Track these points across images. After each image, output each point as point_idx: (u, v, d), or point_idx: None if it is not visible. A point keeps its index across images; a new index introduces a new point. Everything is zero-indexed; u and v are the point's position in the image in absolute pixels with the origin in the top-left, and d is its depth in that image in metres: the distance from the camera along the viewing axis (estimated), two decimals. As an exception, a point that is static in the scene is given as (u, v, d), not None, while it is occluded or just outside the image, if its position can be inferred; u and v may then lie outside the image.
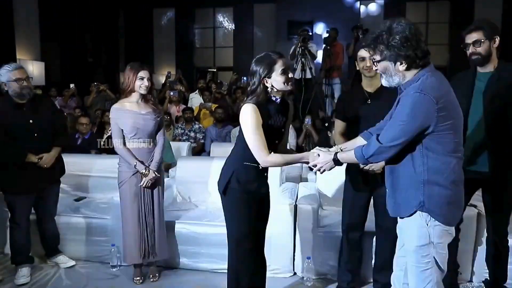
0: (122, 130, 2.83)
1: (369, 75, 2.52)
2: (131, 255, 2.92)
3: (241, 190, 2.22)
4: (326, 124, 5.52)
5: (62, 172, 3.20)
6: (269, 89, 2.13)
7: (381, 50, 1.73)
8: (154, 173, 2.86)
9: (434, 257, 1.75)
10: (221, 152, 4.66)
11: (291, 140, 5.12)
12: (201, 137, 5.64)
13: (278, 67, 2.10)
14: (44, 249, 3.28)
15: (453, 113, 1.70)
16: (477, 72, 2.49)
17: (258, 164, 2.16)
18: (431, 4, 13.80)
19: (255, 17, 14.23)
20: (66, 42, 11.05)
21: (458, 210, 1.79)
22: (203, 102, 6.31)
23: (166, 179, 3.48)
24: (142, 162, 2.85)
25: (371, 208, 2.67)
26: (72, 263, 3.27)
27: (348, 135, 2.62)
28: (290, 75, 2.15)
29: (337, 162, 1.97)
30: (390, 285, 2.06)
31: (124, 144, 2.85)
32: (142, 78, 2.79)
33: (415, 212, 1.75)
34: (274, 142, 2.24)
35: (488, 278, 2.67)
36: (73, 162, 3.84)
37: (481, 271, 2.80)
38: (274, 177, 3.46)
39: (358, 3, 13.28)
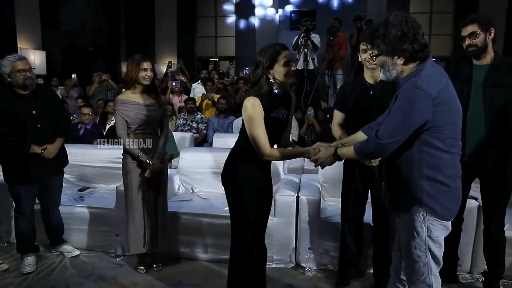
0: (126, 121, 2.84)
1: (371, 66, 2.52)
2: (134, 245, 2.95)
3: (244, 182, 2.24)
4: (328, 116, 5.52)
5: (65, 163, 3.23)
6: (271, 81, 2.13)
7: (378, 45, 1.73)
8: (158, 164, 2.87)
9: (430, 250, 1.77)
10: (224, 142, 4.67)
11: (294, 132, 5.13)
12: (203, 128, 5.65)
13: (281, 58, 2.10)
14: (49, 238, 3.32)
15: (452, 108, 1.69)
16: (474, 65, 2.50)
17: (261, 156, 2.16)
18: (435, -6, 13.68)
19: (257, 6, 14.10)
20: (67, 31, 10.99)
21: (455, 205, 1.81)
22: (205, 92, 6.30)
23: (169, 170, 3.50)
24: (145, 154, 2.86)
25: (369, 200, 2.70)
26: (77, 252, 3.31)
27: (348, 126, 2.64)
28: (293, 67, 2.16)
29: (337, 157, 1.99)
30: (389, 276, 2.09)
31: (128, 135, 2.86)
32: (145, 69, 2.81)
33: (412, 207, 1.77)
34: (277, 135, 2.26)
35: (487, 270, 2.70)
36: (77, 153, 3.88)
37: (481, 262, 2.83)
38: (276, 168, 3.49)
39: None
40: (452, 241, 2.69)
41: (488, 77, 2.42)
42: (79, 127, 5.01)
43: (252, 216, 2.25)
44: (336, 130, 2.70)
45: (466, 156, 2.44)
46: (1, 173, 3.14)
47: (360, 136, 2.11)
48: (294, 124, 5.26)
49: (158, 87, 3.13)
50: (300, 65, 6.55)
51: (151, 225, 2.93)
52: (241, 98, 6.20)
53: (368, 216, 2.75)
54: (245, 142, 2.18)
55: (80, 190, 3.75)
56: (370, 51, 2.39)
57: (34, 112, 2.88)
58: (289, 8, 14.15)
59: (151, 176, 2.87)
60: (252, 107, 2.09)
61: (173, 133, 4.65)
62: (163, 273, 3.04)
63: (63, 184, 3.32)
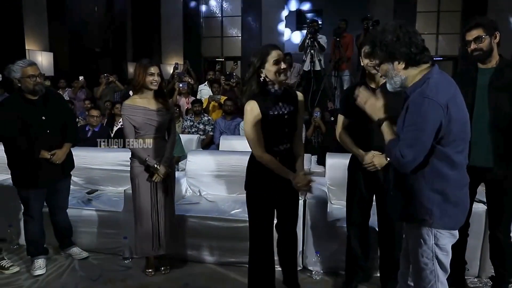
0: (134, 126, 2.86)
1: (374, 71, 2.51)
2: (142, 248, 2.98)
3: (257, 185, 2.36)
4: (332, 118, 5.51)
5: (72, 166, 3.26)
6: (266, 80, 2.22)
7: (377, 53, 1.74)
8: (166, 168, 2.89)
9: (437, 258, 1.77)
10: (230, 144, 4.70)
11: (300, 133, 5.12)
12: (210, 130, 5.67)
13: (271, 58, 2.19)
14: (58, 241, 3.36)
15: (461, 116, 1.69)
16: (479, 68, 2.49)
17: (276, 156, 2.28)
18: (443, -7, 13.58)
19: (263, 6, 14.11)
20: (74, 32, 11.07)
21: (463, 214, 1.81)
22: (212, 94, 6.31)
23: (176, 173, 3.52)
24: (149, 155, 2.88)
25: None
26: (86, 254, 3.34)
27: (352, 130, 2.64)
28: (283, 65, 2.21)
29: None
30: (396, 280, 2.10)
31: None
32: (152, 74, 2.82)
33: (420, 217, 1.76)
34: (284, 130, 2.32)
35: (494, 275, 2.69)
36: (85, 156, 3.92)
37: (489, 267, 2.81)
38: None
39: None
40: (459, 246, 2.66)
41: (493, 80, 2.41)
42: (87, 129, 5.06)
43: (261, 219, 2.38)
44: (341, 134, 2.70)
45: (472, 160, 2.42)
46: (10, 176, 3.17)
47: None
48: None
49: (164, 88, 3.14)
50: (306, 66, 6.55)
51: (159, 228, 2.96)
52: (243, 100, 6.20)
53: (373, 220, 2.75)
54: None
55: (88, 193, 3.79)
56: (369, 60, 2.44)
57: (43, 117, 2.92)
58: (295, 7, 14.13)
59: (158, 181, 2.89)
60: (249, 111, 2.23)
61: (180, 135, 4.67)
62: (171, 276, 3.06)
63: (71, 186, 3.36)
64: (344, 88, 6.93)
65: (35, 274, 3.04)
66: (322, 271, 3.06)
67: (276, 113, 2.26)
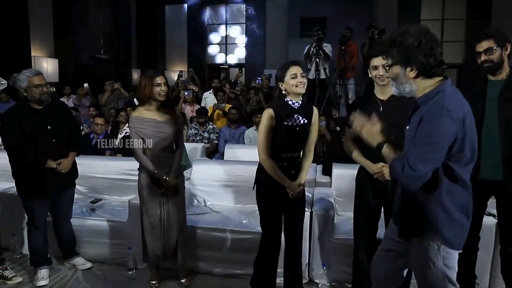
0: (142, 138, 2.80)
1: (382, 83, 2.49)
2: (149, 259, 2.93)
3: (265, 186, 2.56)
4: (338, 128, 5.48)
5: (76, 175, 3.23)
6: (283, 92, 2.47)
7: (393, 54, 1.66)
8: (174, 180, 2.84)
9: (447, 277, 1.73)
10: (235, 153, 4.67)
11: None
12: (214, 138, 5.65)
13: (289, 72, 2.44)
14: (61, 251, 3.33)
15: (472, 133, 1.64)
16: (489, 80, 2.46)
17: (283, 162, 2.50)
18: (447, 1, 13.59)
19: (268, 14, 14.16)
20: (79, 39, 11.12)
21: (466, 234, 1.77)
22: (217, 102, 6.30)
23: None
24: (161, 169, 2.82)
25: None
26: (89, 265, 3.31)
27: (360, 142, 2.61)
28: (301, 79, 2.44)
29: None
30: None
31: (144, 152, 2.83)
32: (159, 85, 2.78)
33: (426, 233, 1.73)
34: (295, 141, 2.53)
35: (506, 290, 2.63)
36: (89, 164, 3.90)
37: (500, 281, 2.76)
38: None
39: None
40: (468, 260, 2.64)
41: (503, 92, 2.38)
42: (91, 136, 5.04)
43: (269, 221, 2.60)
44: (349, 146, 2.67)
45: (482, 172, 2.41)
46: (13, 184, 3.14)
47: None
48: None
49: (170, 96, 3.10)
50: (311, 75, 6.53)
51: (169, 239, 2.89)
52: (251, 108, 6.20)
53: (381, 232, 2.70)
54: None
55: (92, 202, 3.76)
56: (381, 67, 2.41)
57: (49, 126, 2.90)
58: (299, 15, 14.16)
59: (167, 192, 2.84)
60: (265, 116, 2.47)
61: (185, 143, 4.64)
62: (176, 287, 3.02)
63: (75, 195, 3.34)
64: (349, 96, 6.91)
65: (38, 285, 3.01)
66: (328, 284, 3.02)
67: (290, 124, 2.47)
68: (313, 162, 4.48)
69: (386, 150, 1.78)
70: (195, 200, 3.75)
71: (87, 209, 3.60)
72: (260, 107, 5.86)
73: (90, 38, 11.36)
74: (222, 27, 14.72)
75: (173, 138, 2.91)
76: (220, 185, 3.68)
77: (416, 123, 1.63)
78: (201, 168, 3.80)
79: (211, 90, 7.06)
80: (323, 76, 6.52)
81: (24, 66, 3.12)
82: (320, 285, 2.99)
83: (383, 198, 2.55)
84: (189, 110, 6.59)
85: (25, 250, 3.39)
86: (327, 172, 3.95)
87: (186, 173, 4.29)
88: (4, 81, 3.40)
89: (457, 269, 1.77)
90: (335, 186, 3.53)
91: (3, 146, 3.27)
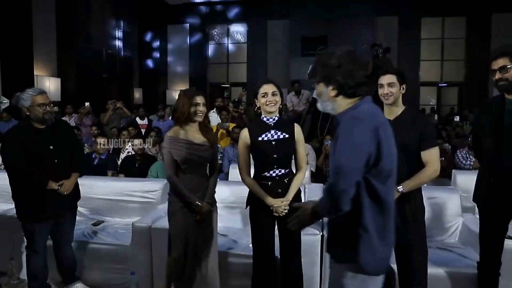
0: (175, 160, 2.62)
1: (387, 102, 2.48)
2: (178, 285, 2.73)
3: (252, 204, 2.59)
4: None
5: (78, 197, 3.13)
6: (258, 110, 2.55)
7: (317, 71, 1.71)
8: (208, 206, 2.65)
9: None
10: (239, 173, 4.56)
11: (311, 162, 5.00)
12: (218, 158, 5.55)
13: (261, 90, 2.51)
14: (61, 275, 3.19)
15: (388, 145, 1.57)
16: (506, 98, 2.40)
17: (267, 181, 2.49)
18: (447, 20, 13.72)
19: (269, 33, 14.29)
20: (82, 58, 11.17)
21: (384, 260, 1.66)
22: (220, 121, 6.23)
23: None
24: (193, 194, 2.63)
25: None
26: (90, 291, 3.17)
27: None
28: (271, 98, 2.48)
29: (316, 215, 1.75)
30: None
31: (177, 174, 2.65)
32: (197, 104, 2.61)
33: (344, 256, 1.65)
34: (273, 157, 2.47)
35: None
36: (91, 185, 3.79)
37: (522, 309, 2.63)
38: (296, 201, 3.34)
39: (372, 19, 13.22)
40: (490, 286, 2.52)
41: None
42: (93, 156, 4.96)
43: (252, 233, 2.61)
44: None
45: (499, 190, 2.35)
46: (13, 206, 3.03)
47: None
48: (312, 154, 5.13)
49: (207, 118, 2.92)
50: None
51: (199, 264, 2.69)
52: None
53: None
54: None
55: (94, 225, 3.64)
56: (386, 86, 2.44)
57: (51, 147, 2.81)
58: (299, 34, 14.27)
59: (201, 219, 2.64)
60: (241, 137, 2.58)
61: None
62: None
63: (77, 217, 3.22)
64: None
65: (36, 313, 2.87)
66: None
67: (265, 139, 2.49)
68: (320, 182, 4.43)
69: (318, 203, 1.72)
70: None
71: (88, 232, 3.48)
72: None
73: (93, 58, 11.41)
74: (224, 46, 14.81)
75: (208, 162, 2.74)
76: (226, 206, 3.57)
77: (335, 141, 1.62)
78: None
79: (214, 109, 7.00)
80: (327, 94, 6.46)
81: (27, 85, 3.06)
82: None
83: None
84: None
85: (23, 275, 3.24)
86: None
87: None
88: (6, 100, 3.34)
89: None
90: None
91: (3, 166, 3.18)
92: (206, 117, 2.72)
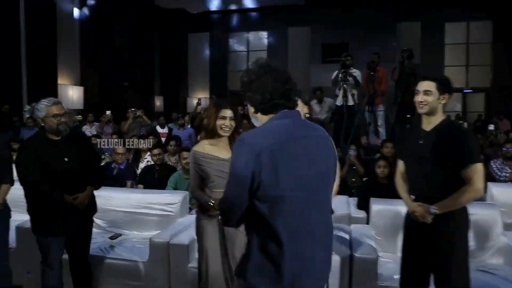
0: (200, 176, 2.46)
1: (421, 111, 2.28)
2: None
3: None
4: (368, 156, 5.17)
5: (94, 211, 3.02)
6: None
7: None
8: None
9: None
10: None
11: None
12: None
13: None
14: (77, 291, 3.08)
15: (273, 170, 1.39)
16: None
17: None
18: (472, 24, 13.34)
19: (289, 40, 14.18)
20: (104, 67, 11.30)
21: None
22: (242, 130, 6.09)
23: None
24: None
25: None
26: (106, 308, 3.06)
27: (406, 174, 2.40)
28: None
29: None
30: None
31: (203, 191, 2.48)
32: (223, 118, 2.41)
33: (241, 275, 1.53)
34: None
35: None
36: (109, 196, 3.70)
37: None
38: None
39: (394, 24, 12.94)
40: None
41: None
42: (112, 166, 4.88)
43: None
44: (398, 182, 2.44)
45: None
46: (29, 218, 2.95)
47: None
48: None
49: (193, 123, 2.81)
50: (339, 101, 6.31)
51: (231, 278, 2.47)
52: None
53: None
54: None
55: (111, 238, 3.53)
56: (422, 93, 2.24)
57: (66, 159, 2.72)
58: (320, 41, 14.08)
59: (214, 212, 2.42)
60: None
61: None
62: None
63: (94, 229, 3.11)
64: (379, 123, 6.62)
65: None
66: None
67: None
68: (344, 194, 4.21)
69: None
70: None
71: (105, 247, 3.37)
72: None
73: (115, 66, 11.52)
74: (244, 55, 14.77)
75: None
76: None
77: None
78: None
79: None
80: (351, 102, 6.26)
81: (50, 94, 2.98)
82: None
83: (432, 241, 2.22)
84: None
85: (37, 290, 3.16)
86: (363, 207, 3.64)
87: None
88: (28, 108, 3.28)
89: None
90: (373, 223, 3.22)
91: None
92: (237, 131, 2.47)
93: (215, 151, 2.44)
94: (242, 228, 1.96)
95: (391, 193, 3.71)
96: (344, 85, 6.11)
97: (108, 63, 11.36)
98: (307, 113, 2.36)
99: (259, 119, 1.55)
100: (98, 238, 3.43)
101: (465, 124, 9.97)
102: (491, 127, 8.01)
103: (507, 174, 4.55)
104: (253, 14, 14.08)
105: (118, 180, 4.63)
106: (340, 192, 4.51)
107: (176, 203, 3.55)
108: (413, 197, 2.30)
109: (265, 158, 1.39)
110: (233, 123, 2.43)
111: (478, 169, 2.14)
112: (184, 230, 3.17)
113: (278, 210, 1.42)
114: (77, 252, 2.95)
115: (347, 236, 3.02)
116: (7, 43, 8.69)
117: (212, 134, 2.45)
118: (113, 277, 3.15)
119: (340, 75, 6.14)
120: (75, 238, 2.88)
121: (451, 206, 2.14)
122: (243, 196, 1.43)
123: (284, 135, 1.45)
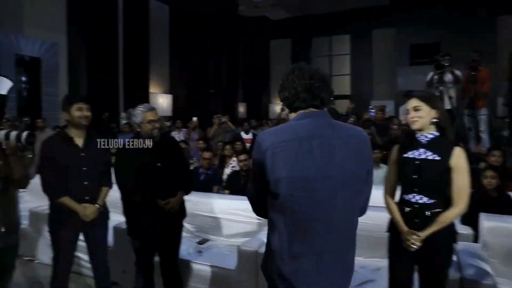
0: None
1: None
2: None
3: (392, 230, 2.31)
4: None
5: (184, 215, 3.01)
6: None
7: None
8: None
9: None
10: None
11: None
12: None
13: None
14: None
15: (275, 168, 1.42)
16: None
17: (405, 206, 2.20)
18: None
19: (374, 43, 13.61)
20: (191, 76, 11.81)
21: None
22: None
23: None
24: None
25: None
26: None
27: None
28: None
29: None
30: None
31: None
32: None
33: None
34: (411, 177, 2.16)
35: None
36: (197, 201, 3.74)
37: None
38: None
39: (494, 18, 11.74)
40: None
41: None
42: (200, 171, 4.98)
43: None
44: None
45: None
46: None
47: None
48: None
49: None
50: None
51: None
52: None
53: None
54: None
55: (199, 243, 3.56)
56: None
57: (158, 164, 2.77)
58: (408, 42, 13.28)
59: None
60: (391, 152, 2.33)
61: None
62: None
63: (184, 234, 3.15)
64: (481, 129, 5.97)
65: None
66: None
67: (410, 156, 2.19)
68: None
69: None
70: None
71: (194, 251, 3.40)
72: (373, 141, 5.30)
73: (201, 75, 12.01)
74: (326, 59, 14.48)
75: None
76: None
77: None
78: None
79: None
80: (448, 106, 5.71)
81: (142, 101, 3.09)
82: None
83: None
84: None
85: (134, 289, 3.27)
86: (470, 222, 3.23)
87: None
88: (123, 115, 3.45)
89: None
90: (485, 242, 2.82)
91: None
92: None
93: None
94: None
95: (501, 208, 3.28)
96: (441, 87, 5.60)
97: (195, 72, 11.87)
98: (434, 118, 2.10)
99: (290, 118, 1.60)
100: (186, 242, 3.47)
101: None
102: None
103: None
104: (336, 17, 13.74)
105: (205, 185, 4.70)
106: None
107: (263, 210, 3.47)
108: None
109: (268, 157, 1.44)
110: None
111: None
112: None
113: (279, 209, 1.46)
114: (168, 256, 3.00)
115: (453, 256, 2.68)
116: (106, 55, 9.47)
117: None
118: (200, 283, 3.14)
119: (435, 77, 5.65)
120: (166, 242, 2.93)
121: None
122: (258, 190, 1.54)
123: (287, 135, 1.47)
